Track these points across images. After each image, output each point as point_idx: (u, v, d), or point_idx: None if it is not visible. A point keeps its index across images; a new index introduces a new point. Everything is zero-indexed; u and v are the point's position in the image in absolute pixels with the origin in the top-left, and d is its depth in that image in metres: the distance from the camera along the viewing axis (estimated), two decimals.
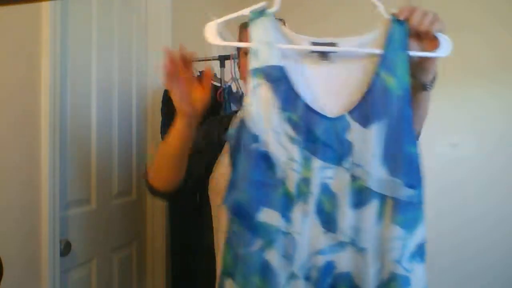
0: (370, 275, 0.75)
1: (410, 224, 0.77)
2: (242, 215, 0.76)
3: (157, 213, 1.90)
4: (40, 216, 1.23)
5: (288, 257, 0.75)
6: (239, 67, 1.29)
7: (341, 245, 0.76)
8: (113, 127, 1.68)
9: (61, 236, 1.32)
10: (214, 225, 1.15)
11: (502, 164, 2.56)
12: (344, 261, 0.76)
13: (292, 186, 0.75)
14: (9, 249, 1.11)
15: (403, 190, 0.76)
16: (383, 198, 0.76)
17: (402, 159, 0.76)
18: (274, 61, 0.77)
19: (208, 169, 1.12)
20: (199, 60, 1.85)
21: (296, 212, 0.75)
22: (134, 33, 1.84)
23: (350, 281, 0.77)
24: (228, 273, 0.78)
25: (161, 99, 1.78)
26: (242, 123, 0.77)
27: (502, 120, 2.58)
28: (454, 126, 2.62)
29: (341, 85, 0.79)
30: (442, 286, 2.56)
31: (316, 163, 0.76)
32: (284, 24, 1.17)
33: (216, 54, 1.83)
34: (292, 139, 0.76)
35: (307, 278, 0.76)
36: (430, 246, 2.69)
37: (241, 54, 1.18)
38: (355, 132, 0.76)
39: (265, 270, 0.75)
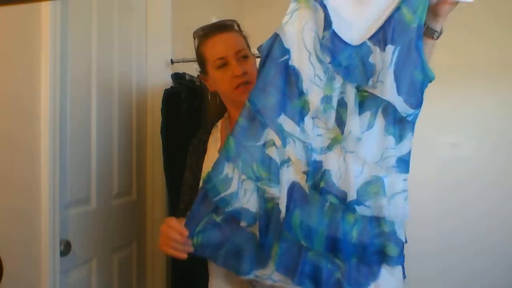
0: (352, 175, 0.86)
1: (397, 137, 0.87)
2: (264, 115, 0.89)
3: (157, 213, 1.90)
4: (40, 216, 1.23)
5: (299, 158, 0.89)
6: (205, 81, 1.26)
7: (329, 147, 0.88)
8: (113, 127, 1.68)
9: (61, 236, 1.32)
10: None
11: (502, 164, 2.56)
12: (329, 160, 0.88)
13: (315, 100, 0.87)
14: (9, 249, 1.11)
15: (404, 107, 0.86)
16: (376, 111, 0.87)
17: (407, 81, 0.86)
18: None
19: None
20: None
21: (312, 123, 0.88)
22: (134, 33, 1.84)
23: (329, 177, 0.88)
24: (229, 158, 0.91)
25: (161, 99, 1.78)
26: (276, 38, 0.87)
27: (502, 120, 2.58)
28: (454, 126, 2.62)
29: (367, 16, 0.87)
30: (442, 286, 2.56)
31: (338, 83, 0.87)
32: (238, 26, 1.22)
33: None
34: (319, 59, 0.86)
35: (304, 172, 0.89)
36: (431, 246, 2.70)
37: (210, 68, 1.18)
38: (376, 55, 0.86)
39: (266, 162, 0.90)
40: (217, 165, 0.93)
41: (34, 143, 1.22)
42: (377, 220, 0.87)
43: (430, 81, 0.89)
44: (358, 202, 0.87)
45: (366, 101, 0.87)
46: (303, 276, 0.88)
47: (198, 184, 1.17)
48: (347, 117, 0.87)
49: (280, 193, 0.89)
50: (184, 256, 0.97)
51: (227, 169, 0.91)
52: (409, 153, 0.88)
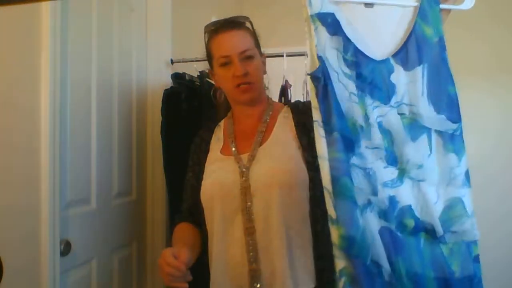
0: (433, 205, 0.81)
1: (459, 152, 0.85)
2: (347, 149, 0.81)
3: (157, 213, 1.90)
4: (40, 216, 1.23)
5: (361, 187, 0.81)
6: (212, 76, 1.27)
7: (400, 179, 0.82)
8: (113, 127, 1.68)
9: (61, 236, 1.32)
10: (208, 230, 1.15)
11: (501, 164, 2.57)
12: (404, 194, 0.82)
13: (358, 120, 0.82)
14: (9, 249, 1.11)
15: (448, 124, 0.84)
16: (429, 132, 0.84)
17: (444, 97, 0.84)
18: (326, 8, 0.84)
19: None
20: (199, 60, 1.85)
21: (363, 147, 0.82)
22: (134, 33, 1.84)
23: (413, 213, 0.82)
24: (326, 188, 0.82)
25: (161, 99, 1.78)
26: (322, 59, 0.82)
27: (501, 121, 2.59)
28: None
29: (383, 31, 0.86)
30: None
31: (368, 100, 0.83)
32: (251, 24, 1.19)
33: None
34: (348, 76, 0.83)
35: (379, 211, 0.81)
36: None
37: (215, 64, 1.19)
38: (399, 75, 0.83)
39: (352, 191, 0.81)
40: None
41: (34, 143, 1.22)
42: (468, 246, 0.83)
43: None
44: (445, 230, 0.82)
45: (414, 124, 0.83)
46: None
47: (200, 184, 1.17)
48: (401, 144, 0.82)
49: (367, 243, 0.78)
50: (185, 286, 0.97)
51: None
52: (464, 165, 0.86)
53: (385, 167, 0.83)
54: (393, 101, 0.83)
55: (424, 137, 0.84)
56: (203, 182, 1.17)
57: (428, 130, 0.84)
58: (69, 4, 1.39)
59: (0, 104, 1.12)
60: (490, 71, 2.55)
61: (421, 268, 0.80)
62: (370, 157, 0.82)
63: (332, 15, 0.84)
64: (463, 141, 0.87)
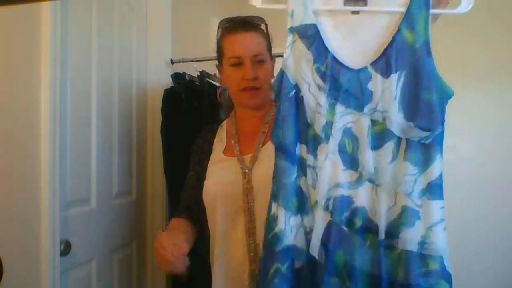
0: (383, 209, 0.84)
1: (421, 163, 0.84)
2: (285, 151, 0.89)
3: (157, 213, 1.90)
4: (40, 216, 1.23)
5: (314, 187, 0.87)
6: (219, 72, 1.27)
7: (359, 182, 0.85)
8: (113, 127, 1.68)
9: (61, 236, 1.32)
10: (210, 230, 1.15)
11: (500, 166, 2.56)
12: (360, 196, 0.85)
13: (318, 128, 0.86)
14: (9, 249, 1.11)
15: (415, 132, 0.84)
16: (398, 139, 0.84)
17: (419, 105, 0.83)
18: (308, 20, 0.86)
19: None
20: (199, 60, 1.85)
21: (320, 151, 0.86)
22: (134, 33, 1.84)
23: (365, 215, 0.85)
24: (274, 197, 0.91)
25: (161, 99, 1.78)
26: (283, 74, 0.89)
27: (500, 122, 2.59)
28: (451, 128, 2.62)
29: (366, 38, 0.87)
30: None
31: (339, 108, 0.85)
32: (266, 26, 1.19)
33: (216, 54, 1.83)
34: (320, 88, 0.86)
35: (326, 208, 0.86)
36: None
37: (225, 62, 1.18)
38: (377, 82, 0.84)
39: (299, 194, 0.89)
40: (269, 207, 0.93)
41: (34, 143, 1.22)
42: (423, 258, 0.83)
43: (450, 98, 0.88)
44: (392, 235, 0.84)
45: (385, 130, 0.85)
46: None
47: (202, 185, 1.17)
48: (364, 150, 0.85)
49: (313, 233, 0.87)
50: (179, 272, 0.98)
51: (274, 209, 0.90)
52: (440, 177, 0.86)
53: (343, 170, 0.86)
54: (367, 108, 0.85)
55: (390, 144, 0.84)
56: (205, 183, 1.17)
57: (396, 137, 0.84)
58: (69, 4, 1.39)
59: (0, 104, 1.12)
60: (489, 72, 2.55)
61: (360, 264, 0.84)
62: (325, 161, 0.86)
63: (313, 26, 0.86)
64: (439, 149, 0.87)
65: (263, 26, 1.20)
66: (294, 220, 0.89)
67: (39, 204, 1.23)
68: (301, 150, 0.89)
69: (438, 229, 0.86)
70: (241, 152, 1.15)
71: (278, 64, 1.22)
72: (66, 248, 1.35)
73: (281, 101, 0.90)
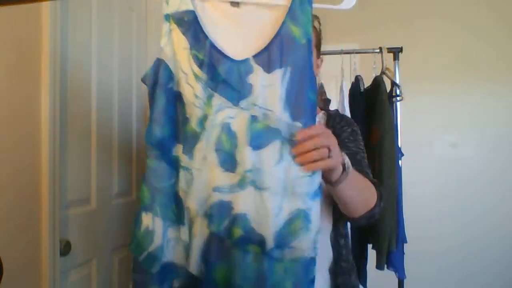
0: (271, 215, 0.75)
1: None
2: (161, 149, 0.80)
3: None
4: (40, 216, 1.23)
5: (187, 191, 0.78)
6: None
7: (240, 185, 0.76)
8: (113, 127, 1.68)
9: (61, 236, 1.32)
10: None
11: (502, 164, 2.57)
12: (241, 202, 0.76)
13: (195, 123, 0.79)
14: (9, 249, 1.11)
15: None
16: (284, 140, 0.77)
17: (304, 104, 0.78)
18: (185, 6, 0.81)
19: None
20: None
21: (197, 149, 0.78)
22: (134, 33, 1.84)
23: (246, 223, 0.76)
24: (146, 208, 0.81)
25: None
26: (160, 63, 0.81)
27: (502, 120, 2.59)
28: (453, 126, 2.63)
29: (249, 30, 0.81)
30: (442, 286, 2.56)
31: (217, 100, 0.78)
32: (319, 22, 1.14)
33: None
34: (197, 78, 0.79)
35: (205, 216, 0.78)
36: (430, 246, 2.71)
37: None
38: (258, 76, 0.78)
39: (178, 201, 0.79)
40: (136, 220, 0.82)
41: (34, 143, 1.22)
42: (306, 266, 0.76)
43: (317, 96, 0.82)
44: (283, 245, 0.75)
45: (268, 129, 0.77)
46: None
47: None
48: (246, 149, 0.77)
49: (191, 247, 0.77)
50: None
51: (146, 221, 0.80)
52: (319, 175, 0.78)
53: (223, 171, 0.77)
54: (246, 102, 0.78)
55: (275, 143, 0.77)
56: None
57: (282, 137, 0.77)
58: (69, 4, 1.39)
59: (0, 104, 1.12)
60: (491, 71, 2.55)
61: (241, 281, 0.75)
62: (202, 161, 0.78)
63: (191, 13, 0.81)
64: None
65: (316, 23, 1.14)
66: (172, 232, 0.79)
67: (39, 204, 1.23)
68: (179, 151, 0.79)
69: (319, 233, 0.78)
70: None
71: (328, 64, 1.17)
72: (66, 248, 1.35)
73: (156, 94, 0.81)
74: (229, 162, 0.77)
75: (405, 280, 1.80)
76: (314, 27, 1.13)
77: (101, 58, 1.59)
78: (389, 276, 1.75)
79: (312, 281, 0.76)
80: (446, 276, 2.55)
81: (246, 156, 0.76)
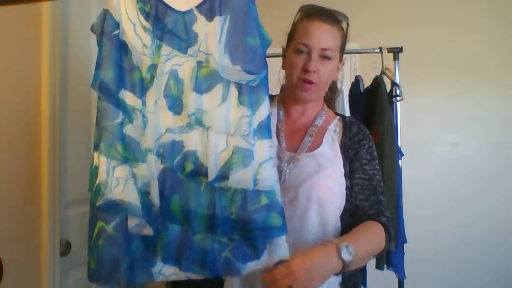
0: (214, 152, 0.85)
1: (252, 104, 0.87)
2: (107, 92, 0.87)
3: None
4: (40, 216, 1.23)
5: (143, 133, 0.87)
6: (283, 55, 1.16)
7: (189, 126, 0.87)
8: None
9: (61, 236, 1.32)
10: None
11: (502, 164, 2.56)
12: (191, 140, 0.86)
13: (145, 71, 0.87)
14: (9, 249, 1.11)
15: (243, 76, 0.86)
16: (227, 82, 0.86)
17: (244, 49, 0.86)
18: None
19: None
20: None
21: (149, 95, 0.87)
22: None
23: (196, 158, 0.86)
24: (95, 147, 0.89)
25: None
26: (106, 13, 0.88)
27: (502, 120, 2.59)
28: (454, 126, 2.62)
29: None
30: (442, 286, 2.56)
31: (165, 50, 0.87)
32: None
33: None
34: (145, 29, 0.87)
35: (158, 154, 0.87)
36: (431, 246, 2.70)
37: (292, 46, 1.11)
38: (201, 24, 0.87)
39: (125, 141, 0.87)
40: (91, 160, 0.91)
41: (35, 143, 1.22)
42: (257, 194, 0.86)
43: (268, 45, 0.90)
44: (223, 177, 0.85)
45: (211, 73, 0.86)
46: (189, 261, 0.86)
47: None
48: (191, 93, 0.86)
49: (150, 181, 0.86)
50: None
51: (95, 159, 0.89)
52: (268, 118, 0.88)
53: (172, 115, 0.86)
54: (192, 50, 0.86)
55: (219, 86, 0.86)
56: None
57: (225, 80, 0.86)
58: (69, 4, 1.39)
59: (0, 104, 1.12)
60: (493, 70, 2.55)
61: (195, 207, 0.86)
62: (154, 106, 0.86)
63: None
64: (262, 93, 0.88)
65: (344, 25, 1.13)
66: (120, 171, 0.87)
67: (39, 204, 1.23)
68: (126, 95, 0.87)
69: (268, 166, 0.87)
70: (282, 148, 1.09)
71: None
72: (66, 248, 1.35)
73: (102, 41, 0.88)
74: (177, 106, 0.87)
75: (405, 280, 1.80)
76: (342, 29, 1.12)
77: None
78: (389, 276, 1.75)
79: (267, 207, 0.85)
80: (446, 276, 2.55)
81: (191, 100, 0.86)
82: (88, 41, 1.53)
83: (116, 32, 0.87)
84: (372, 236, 0.99)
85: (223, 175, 0.85)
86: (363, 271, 1.69)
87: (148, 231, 0.87)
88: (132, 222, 0.87)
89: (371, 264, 1.69)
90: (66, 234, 1.37)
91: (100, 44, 0.88)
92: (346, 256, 0.87)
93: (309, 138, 1.10)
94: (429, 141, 2.63)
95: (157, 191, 0.86)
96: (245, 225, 0.85)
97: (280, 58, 1.17)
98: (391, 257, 1.69)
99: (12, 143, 1.15)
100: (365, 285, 1.69)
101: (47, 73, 1.24)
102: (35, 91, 1.22)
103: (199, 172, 0.86)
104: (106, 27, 0.87)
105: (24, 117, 1.20)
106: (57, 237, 1.29)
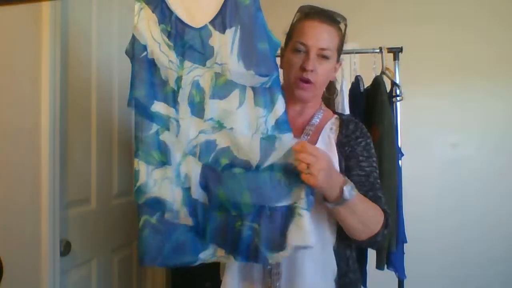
0: (243, 145, 0.95)
1: (267, 104, 0.96)
2: (141, 108, 0.99)
3: None
4: (40, 216, 1.23)
5: (178, 137, 0.98)
6: (281, 55, 1.19)
7: (218, 127, 0.97)
8: (113, 127, 1.68)
9: (61, 236, 1.32)
10: None
11: (503, 164, 2.56)
12: (221, 139, 0.97)
13: (172, 83, 0.98)
14: (9, 249, 1.12)
15: (257, 79, 0.95)
16: (243, 87, 0.96)
17: (255, 54, 0.95)
18: None
19: None
20: None
21: (179, 103, 0.98)
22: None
23: (229, 153, 0.97)
24: (135, 155, 1.02)
25: None
26: (134, 39, 0.99)
27: (502, 120, 2.58)
28: (454, 126, 2.62)
29: (203, 1, 0.99)
30: (442, 286, 2.56)
31: (187, 63, 0.97)
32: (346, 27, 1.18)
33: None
34: (169, 46, 0.98)
35: (194, 154, 0.98)
36: (431, 245, 2.70)
37: (290, 46, 1.13)
38: (215, 38, 0.96)
39: (162, 147, 0.99)
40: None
41: (35, 143, 1.22)
42: (287, 177, 0.95)
43: (277, 48, 0.97)
44: (259, 165, 0.95)
45: (228, 81, 0.96)
46: (228, 244, 0.98)
47: None
48: (212, 100, 0.96)
49: (189, 178, 0.98)
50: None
51: (135, 164, 1.01)
52: (284, 113, 0.96)
53: (199, 119, 0.97)
54: (210, 62, 0.96)
55: (236, 92, 0.96)
56: None
57: (241, 86, 0.96)
58: (69, 4, 1.39)
59: (0, 104, 1.12)
60: (492, 71, 2.54)
61: (240, 195, 0.96)
62: (185, 113, 0.97)
63: None
64: (276, 92, 0.96)
65: (342, 26, 1.14)
66: (157, 174, 1.00)
67: (39, 204, 1.23)
68: (160, 106, 0.98)
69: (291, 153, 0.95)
70: None
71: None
72: (66, 248, 1.35)
73: (132, 65, 0.98)
74: (200, 111, 0.97)
75: (405, 280, 1.80)
76: (340, 30, 1.13)
77: (101, 57, 1.59)
78: (389, 276, 1.75)
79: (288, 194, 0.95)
80: (446, 276, 2.54)
81: (212, 106, 0.96)
82: (88, 41, 1.53)
83: (144, 54, 0.98)
84: (373, 208, 1.03)
85: (261, 164, 0.95)
86: (362, 271, 1.69)
87: (186, 220, 0.99)
88: (169, 215, 1.00)
89: (371, 264, 1.69)
90: (66, 234, 1.37)
91: (132, 66, 0.99)
92: (347, 191, 0.94)
93: (306, 137, 1.11)
94: (429, 141, 2.63)
95: (197, 186, 0.98)
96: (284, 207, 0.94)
97: (279, 58, 1.17)
98: (391, 257, 1.69)
99: (12, 143, 1.15)
100: (365, 285, 1.69)
101: (47, 73, 1.24)
102: (35, 91, 1.22)
103: (234, 164, 0.97)
104: (135, 51, 0.98)
105: (24, 117, 1.20)
106: (57, 237, 1.29)
